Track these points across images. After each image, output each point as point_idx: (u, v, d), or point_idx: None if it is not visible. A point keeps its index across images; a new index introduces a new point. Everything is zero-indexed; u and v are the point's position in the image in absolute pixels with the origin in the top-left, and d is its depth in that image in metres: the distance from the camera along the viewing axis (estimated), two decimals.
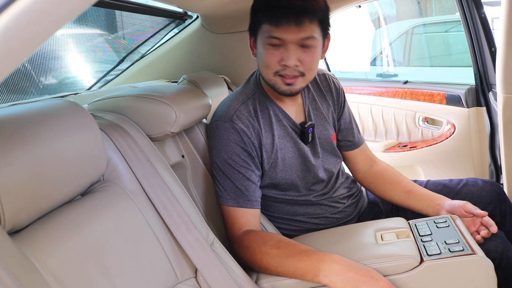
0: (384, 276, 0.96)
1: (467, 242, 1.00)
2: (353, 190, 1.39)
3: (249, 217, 1.14)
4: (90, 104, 1.08)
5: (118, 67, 2.06)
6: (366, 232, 1.11)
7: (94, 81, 2.02)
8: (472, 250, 0.97)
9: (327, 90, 1.34)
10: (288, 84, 1.14)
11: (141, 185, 0.88)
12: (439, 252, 0.98)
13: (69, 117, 0.75)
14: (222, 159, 1.15)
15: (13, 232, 0.65)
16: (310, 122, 1.25)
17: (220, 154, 1.16)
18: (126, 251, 0.78)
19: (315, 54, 1.13)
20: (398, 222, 1.14)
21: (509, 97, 1.70)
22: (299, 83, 1.15)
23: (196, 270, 0.92)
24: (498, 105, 1.77)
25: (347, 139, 1.40)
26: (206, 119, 1.39)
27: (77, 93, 1.44)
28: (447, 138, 2.07)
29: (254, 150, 1.17)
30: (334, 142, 1.34)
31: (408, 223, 1.14)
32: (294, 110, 1.26)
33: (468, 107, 2.00)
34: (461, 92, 2.01)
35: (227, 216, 1.16)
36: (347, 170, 1.47)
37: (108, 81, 2.04)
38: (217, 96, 1.60)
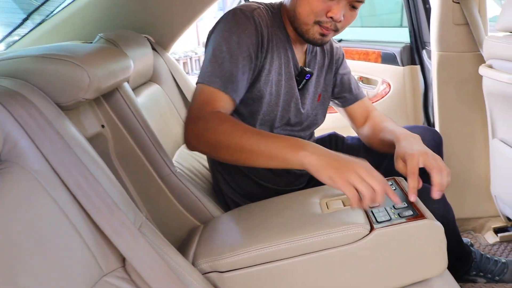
0: (333, 247, 0.89)
1: (416, 206, 0.95)
2: None
3: (226, 105, 1.03)
4: None
5: (22, 29, 1.80)
6: (311, 201, 1.04)
7: None
8: (422, 214, 0.92)
9: (328, 49, 1.33)
10: (322, 35, 1.11)
11: (49, 163, 0.72)
12: (389, 218, 0.92)
13: None
14: (230, 41, 1.05)
15: None
16: (309, 69, 1.22)
17: (229, 36, 1.06)
18: (36, 248, 0.64)
19: (355, 15, 1.13)
20: None
21: (443, 55, 1.69)
22: (330, 36, 1.14)
23: (124, 258, 0.79)
24: (432, 63, 1.76)
25: (341, 95, 1.38)
26: (128, 83, 1.22)
27: None
28: (382, 97, 2.05)
29: (260, 52, 1.10)
30: (318, 102, 1.31)
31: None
32: (298, 55, 1.23)
33: (403, 66, 1.98)
34: (396, 50, 1.99)
35: (204, 96, 1.02)
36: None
37: (10, 45, 1.77)
38: (140, 57, 1.43)
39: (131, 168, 1.15)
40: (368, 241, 0.89)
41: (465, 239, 1.61)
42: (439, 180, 0.94)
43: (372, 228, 0.90)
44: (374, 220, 0.92)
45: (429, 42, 1.83)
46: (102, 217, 0.76)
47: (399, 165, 1.01)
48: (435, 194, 0.93)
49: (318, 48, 1.29)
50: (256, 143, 0.90)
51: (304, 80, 1.22)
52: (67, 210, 0.72)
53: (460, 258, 1.40)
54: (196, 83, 1.06)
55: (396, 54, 1.98)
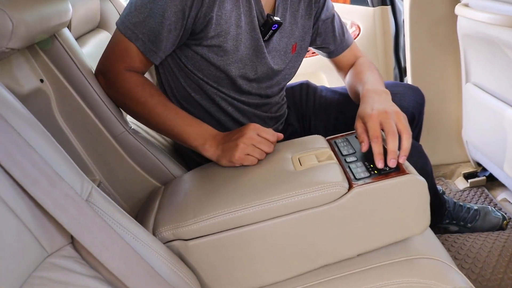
0: (308, 208, 0.81)
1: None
2: (280, 112, 1.22)
3: (141, 65, 1.00)
4: None
5: None
6: (282, 156, 0.94)
7: None
8: (404, 169, 0.84)
9: None
10: None
11: None
12: (368, 174, 0.84)
13: None
14: None
15: None
16: (277, 19, 1.03)
17: None
18: None
19: None
20: (316, 140, 0.99)
21: None
22: None
23: (71, 236, 0.68)
24: (404, 3, 1.66)
25: (325, 45, 1.21)
26: (69, 30, 1.06)
27: None
28: None
29: (201, 3, 0.94)
30: (292, 54, 1.14)
31: (327, 141, 0.99)
32: (265, 0, 1.05)
33: (373, 6, 1.87)
34: None
35: (120, 47, 0.97)
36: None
37: None
38: (85, 1, 1.26)
39: (79, 127, 1.02)
40: (347, 200, 0.81)
41: (438, 187, 1.58)
42: (392, 147, 0.85)
43: (350, 186, 0.82)
44: (352, 176, 0.84)
45: None
46: (41, 190, 0.64)
47: (356, 126, 0.92)
48: (390, 162, 0.84)
49: None
50: (166, 124, 0.99)
51: (271, 31, 1.05)
52: None
53: (435, 209, 1.37)
54: (116, 24, 0.97)
55: None
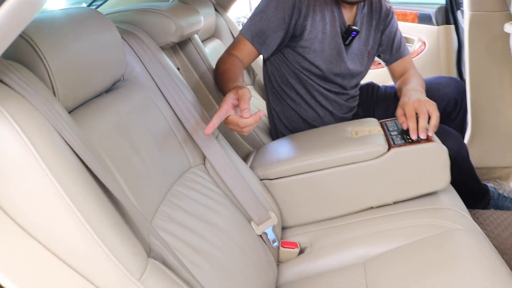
0: (358, 162, 1.14)
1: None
2: (353, 103, 1.55)
3: (248, 51, 1.33)
4: None
5: None
6: (344, 129, 1.28)
7: None
8: (431, 139, 1.14)
9: (376, 10, 1.47)
10: None
11: (156, 83, 1.00)
12: (404, 142, 1.15)
13: (96, 21, 0.85)
14: (269, 5, 1.30)
15: None
16: (356, 28, 1.39)
17: (270, 1, 1.30)
18: (149, 135, 0.91)
19: None
20: (371, 121, 1.32)
21: (475, 15, 1.82)
22: None
23: (204, 158, 1.05)
24: (464, 23, 1.90)
25: (383, 54, 1.56)
26: (197, 35, 1.50)
27: None
28: (418, 54, 2.22)
29: (299, 16, 1.31)
30: (367, 57, 1.49)
31: (380, 122, 1.31)
32: (347, 15, 1.41)
33: (438, 25, 2.14)
34: (432, 11, 2.14)
35: (235, 42, 1.34)
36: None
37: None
38: (205, 15, 1.70)
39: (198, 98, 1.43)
40: (386, 158, 1.13)
41: (490, 184, 1.74)
42: (423, 124, 1.14)
43: (390, 148, 1.14)
44: (392, 142, 1.16)
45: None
46: (191, 125, 1.03)
47: (397, 113, 1.23)
48: (421, 135, 1.14)
49: (367, 8, 1.45)
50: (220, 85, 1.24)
51: (350, 37, 1.40)
52: (167, 116, 1.00)
53: (475, 194, 1.57)
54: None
55: (431, 15, 2.15)
